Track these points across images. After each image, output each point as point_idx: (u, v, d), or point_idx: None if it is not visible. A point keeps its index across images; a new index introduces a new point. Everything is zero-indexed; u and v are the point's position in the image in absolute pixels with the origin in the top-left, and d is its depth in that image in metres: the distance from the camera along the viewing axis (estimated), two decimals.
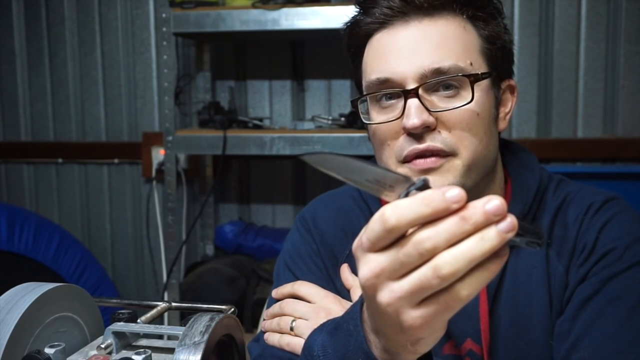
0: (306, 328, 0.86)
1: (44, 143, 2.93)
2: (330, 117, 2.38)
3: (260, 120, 2.52)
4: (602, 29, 2.42)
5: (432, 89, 0.83)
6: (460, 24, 0.84)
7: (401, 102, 0.83)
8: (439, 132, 0.82)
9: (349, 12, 0.92)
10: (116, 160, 2.86)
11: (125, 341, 0.78)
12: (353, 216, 0.98)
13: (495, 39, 0.86)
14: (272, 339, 0.91)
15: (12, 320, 0.72)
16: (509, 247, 0.49)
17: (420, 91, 0.81)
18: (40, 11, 2.87)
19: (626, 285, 0.81)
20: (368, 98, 0.87)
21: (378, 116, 0.86)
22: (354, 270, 0.92)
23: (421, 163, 0.82)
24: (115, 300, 0.96)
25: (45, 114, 2.92)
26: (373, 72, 0.85)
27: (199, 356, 0.67)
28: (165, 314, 2.15)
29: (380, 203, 0.93)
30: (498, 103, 0.89)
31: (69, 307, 0.80)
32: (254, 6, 2.20)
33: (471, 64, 0.83)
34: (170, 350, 0.76)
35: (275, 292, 0.97)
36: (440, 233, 0.48)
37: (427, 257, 0.48)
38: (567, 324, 0.82)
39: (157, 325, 0.80)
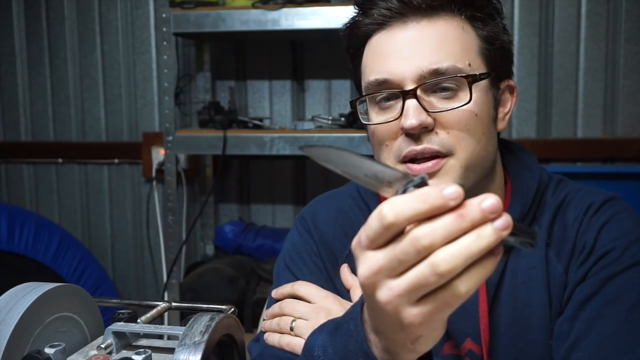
0: (306, 328, 0.86)
1: (44, 143, 2.93)
2: (330, 117, 2.38)
3: (260, 120, 2.51)
4: (602, 29, 2.42)
5: (431, 89, 0.83)
6: (458, 24, 0.84)
7: (400, 103, 0.83)
8: (437, 133, 0.82)
9: (348, 12, 0.92)
10: (116, 160, 2.86)
11: (125, 341, 0.79)
12: (353, 216, 0.98)
13: (494, 39, 0.86)
14: (272, 339, 0.91)
15: (13, 320, 0.72)
16: (503, 247, 0.49)
17: (418, 92, 0.82)
18: (40, 11, 2.87)
19: (625, 285, 0.81)
20: (367, 99, 0.87)
21: (377, 117, 0.86)
22: (354, 271, 0.92)
23: (417, 169, 0.82)
24: (115, 300, 0.97)
25: (46, 114, 2.93)
26: (372, 73, 0.86)
27: (199, 356, 0.67)
28: (165, 314, 2.15)
29: (380, 202, 0.93)
30: (497, 103, 0.89)
31: (69, 307, 0.80)
32: (254, 6, 2.20)
33: (469, 64, 0.83)
34: (170, 350, 0.77)
35: (275, 292, 0.97)
36: (437, 230, 0.48)
37: (424, 254, 0.48)
38: (567, 324, 0.82)
39: (157, 325, 0.80)
